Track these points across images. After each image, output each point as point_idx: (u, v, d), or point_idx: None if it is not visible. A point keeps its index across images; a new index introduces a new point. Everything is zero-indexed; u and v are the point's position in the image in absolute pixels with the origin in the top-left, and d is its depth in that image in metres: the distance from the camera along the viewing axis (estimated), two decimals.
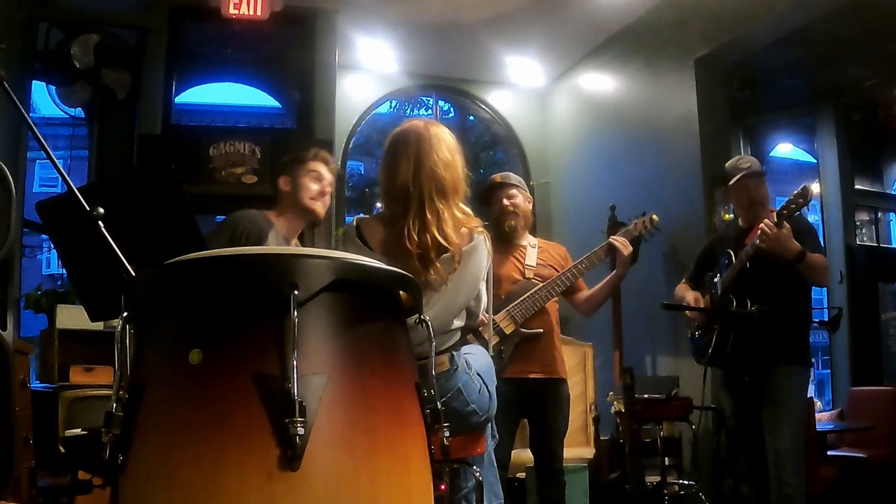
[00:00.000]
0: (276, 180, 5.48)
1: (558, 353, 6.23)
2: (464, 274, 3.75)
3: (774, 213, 5.57)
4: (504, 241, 6.27)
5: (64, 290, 7.92)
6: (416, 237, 3.71)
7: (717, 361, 6.06)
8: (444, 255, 3.71)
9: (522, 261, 6.26)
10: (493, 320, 5.78)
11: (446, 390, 3.60)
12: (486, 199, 6.39)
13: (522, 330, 5.99)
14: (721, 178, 6.48)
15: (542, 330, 6.09)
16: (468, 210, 3.92)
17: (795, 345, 5.86)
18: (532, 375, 6.01)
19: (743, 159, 6.27)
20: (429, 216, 3.74)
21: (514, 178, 6.50)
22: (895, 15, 8.46)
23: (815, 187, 13.28)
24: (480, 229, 3.88)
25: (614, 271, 6.37)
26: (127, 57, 9.38)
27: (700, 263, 6.52)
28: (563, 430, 6.20)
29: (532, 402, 6.03)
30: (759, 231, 5.61)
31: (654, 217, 6.66)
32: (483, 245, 3.85)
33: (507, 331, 5.92)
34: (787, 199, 5.52)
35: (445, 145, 3.91)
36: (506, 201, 6.31)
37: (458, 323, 3.83)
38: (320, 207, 5.39)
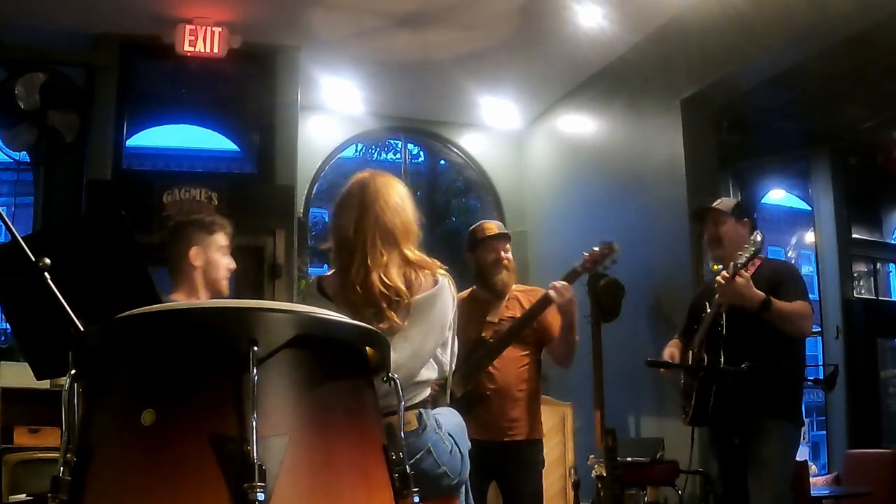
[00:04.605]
0: (184, 252, 5.15)
1: (521, 412, 6.21)
2: (429, 319, 3.79)
3: (731, 264, 5.68)
4: (488, 295, 6.34)
5: (7, 347, 7.89)
6: (358, 287, 3.76)
7: (700, 420, 6.08)
8: (397, 303, 3.75)
9: (485, 317, 6.28)
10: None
11: (414, 451, 3.57)
12: (476, 246, 6.39)
13: (473, 393, 6.02)
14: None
15: (489, 391, 6.10)
16: (421, 254, 3.97)
17: (781, 399, 5.82)
18: (492, 438, 5.98)
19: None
20: (370, 263, 3.80)
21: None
22: (892, 52, 8.52)
23: (810, 236, 13.36)
24: (443, 272, 3.91)
25: (559, 321, 6.37)
26: (75, 97, 9.40)
27: (689, 317, 6.56)
28: (537, 495, 6.20)
29: (497, 465, 6.04)
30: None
31: (615, 246, 6.66)
32: (448, 288, 3.89)
33: (457, 394, 5.87)
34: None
35: (393, 191, 4.00)
36: (503, 254, 6.32)
37: (425, 374, 3.84)
38: (227, 287, 5.25)
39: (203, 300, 4.77)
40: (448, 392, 4.47)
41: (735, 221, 6.20)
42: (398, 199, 3.98)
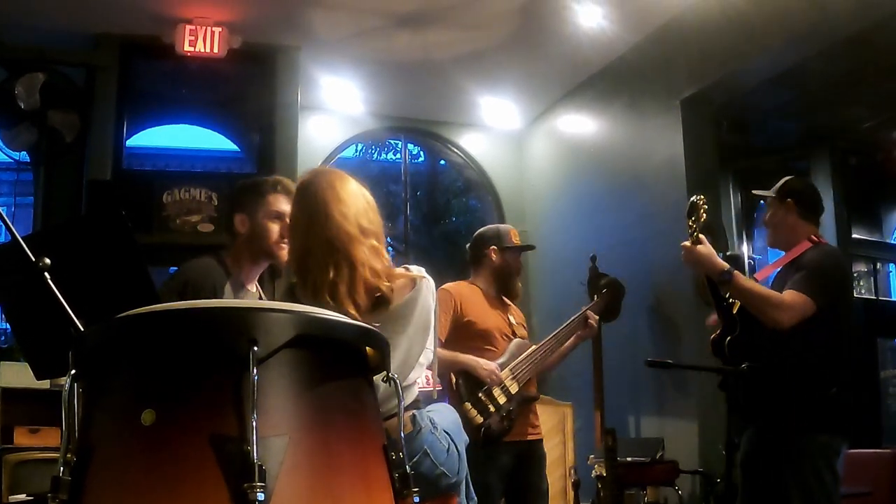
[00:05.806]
0: (230, 216, 4.88)
1: (537, 413, 6.44)
2: (411, 324, 3.74)
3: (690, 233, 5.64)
4: (498, 296, 6.50)
5: (7, 346, 7.90)
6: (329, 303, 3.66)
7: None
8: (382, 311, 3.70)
9: (508, 318, 6.37)
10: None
11: (411, 454, 3.50)
12: (508, 249, 6.52)
13: (523, 392, 6.13)
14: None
15: (537, 394, 6.40)
16: (382, 251, 3.82)
17: (790, 406, 5.38)
18: (528, 437, 6.21)
19: None
20: (326, 281, 3.64)
21: None
22: (892, 52, 8.51)
23: None
24: (422, 276, 3.85)
25: (569, 342, 6.61)
26: (75, 97, 9.39)
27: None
28: (547, 492, 6.30)
29: (519, 465, 6.15)
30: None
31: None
32: (425, 289, 3.81)
33: (513, 390, 6.04)
34: None
35: (336, 198, 3.77)
36: (520, 264, 6.61)
37: (413, 376, 3.83)
38: (284, 252, 4.72)
39: (208, 301, 4.69)
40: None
41: (779, 205, 6.07)
42: (342, 207, 3.74)
